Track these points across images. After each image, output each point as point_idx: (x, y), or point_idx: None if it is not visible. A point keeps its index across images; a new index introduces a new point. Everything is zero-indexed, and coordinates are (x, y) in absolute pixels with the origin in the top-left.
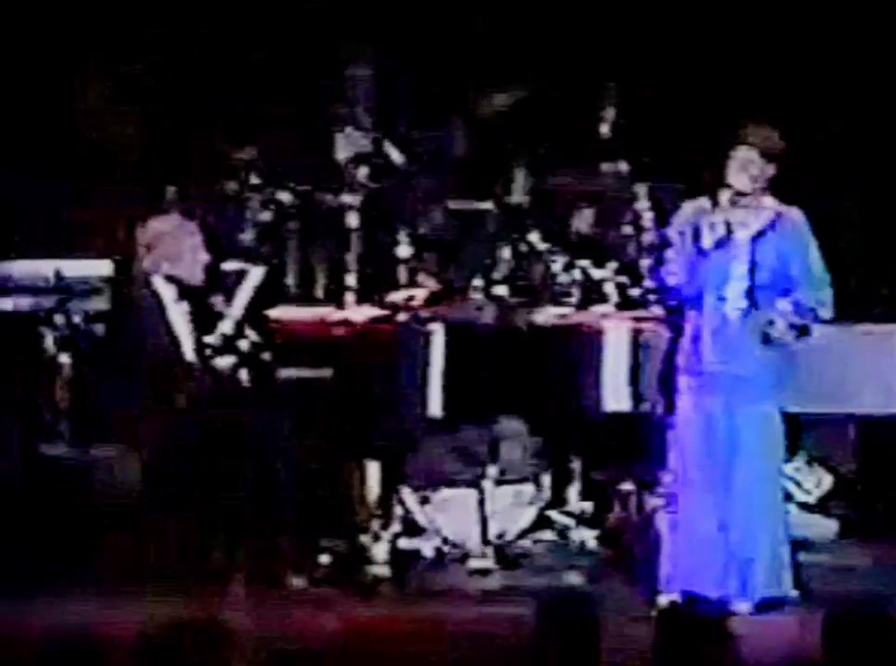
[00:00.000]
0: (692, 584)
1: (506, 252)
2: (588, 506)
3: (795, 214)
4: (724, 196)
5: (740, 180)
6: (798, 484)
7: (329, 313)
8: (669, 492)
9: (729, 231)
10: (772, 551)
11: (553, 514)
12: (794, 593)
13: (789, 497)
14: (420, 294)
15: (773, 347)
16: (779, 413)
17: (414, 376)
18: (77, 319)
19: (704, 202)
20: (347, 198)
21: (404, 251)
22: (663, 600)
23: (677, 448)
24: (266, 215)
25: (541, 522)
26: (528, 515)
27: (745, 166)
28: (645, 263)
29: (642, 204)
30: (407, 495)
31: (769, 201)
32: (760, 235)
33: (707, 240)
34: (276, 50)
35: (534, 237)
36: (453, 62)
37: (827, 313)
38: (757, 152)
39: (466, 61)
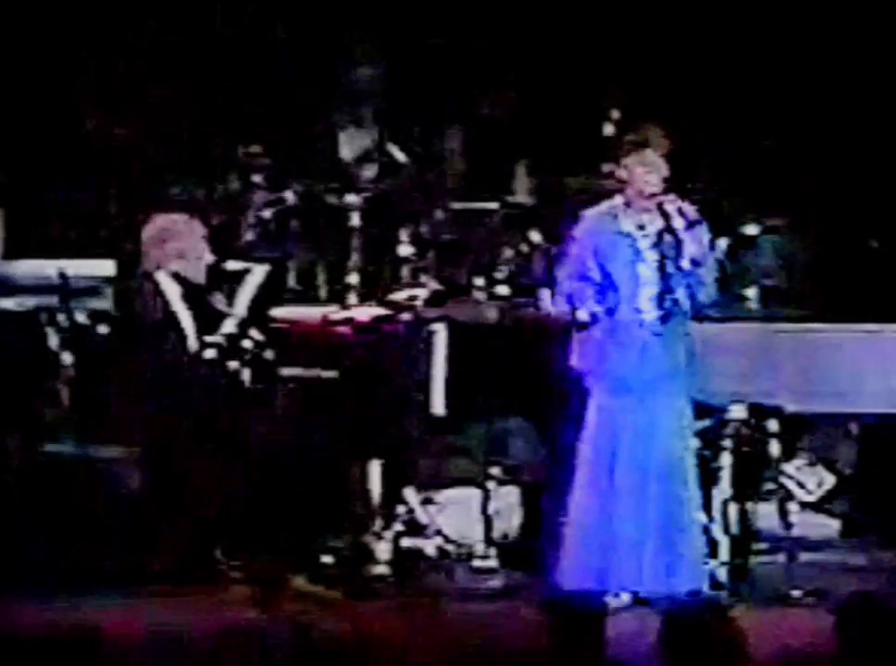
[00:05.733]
0: (606, 580)
1: (509, 252)
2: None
3: (688, 209)
4: (620, 200)
5: (649, 182)
6: (800, 483)
7: (332, 312)
8: (580, 491)
9: (630, 235)
10: (681, 546)
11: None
12: (797, 593)
13: (790, 496)
14: (423, 293)
15: (681, 342)
16: (690, 407)
17: (416, 374)
18: (80, 318)
19: (602, 209)
20: (350, 197)
21: (406, 250)
22: (614, 601)
23: (586, 446)
24: (269, 214)
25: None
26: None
27: (653, 168)
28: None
29: None
30: (410, 494)
31: (668, 200)
32: (661, 235)
33: (612, 249)
34: (280, 49)
35: (536, 236)
36: (456, 62)
37: (705, 297)
38: (659, 153)
39: (469, 61)
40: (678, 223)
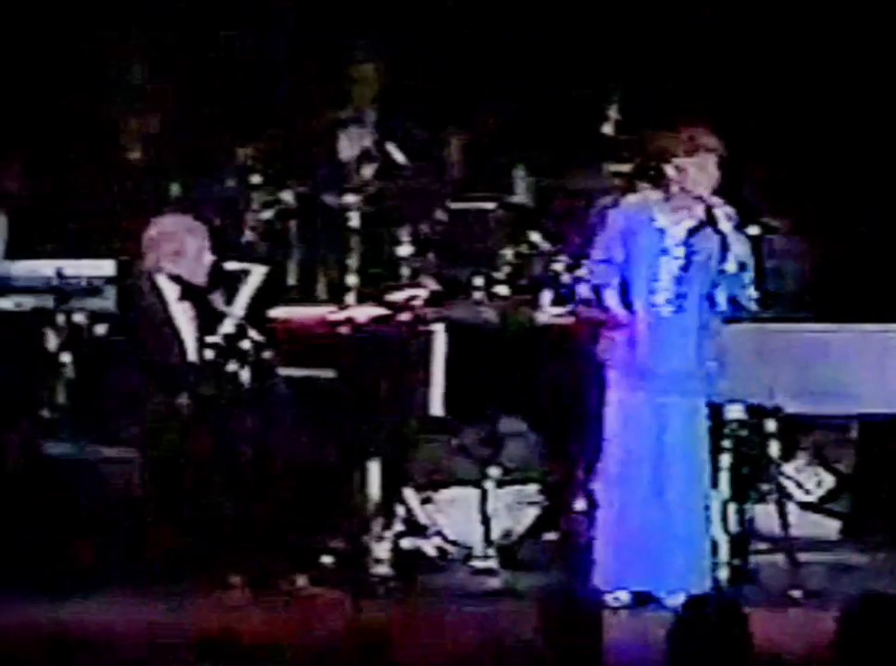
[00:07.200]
0: (627, 579)
1: (508, 252)
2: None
3: (726, 209)
4: (656, 194)
5: (700, 184)
6: (799, 484)
7: (331, 312)
8: (601, 487)
9: (661, 229)
10: (695, 546)
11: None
12: (797, 593)
13: (788, 496)
14: (422, 294)
15: (704, 342)
16: (706, 407)
17: (415, 375)
18: (79, 319)
19: (639, 199)
20: (349, 197)
21: (405, 250)
22: (610, 598)
23: (607, 443)
24: (267, 215)
25: (544, 522)
26: (531, 515)
27: (707, 173)
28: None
29: None
30: (409, 495)
31: (716, 203)
32: (691, 232)
33: (640, 239)
34: (279, 48)
35: (536, 236)
36: (455, 61)
37: (746, 301)
38: (714, 156)
39: (468, 62)
40: (726, 226)
